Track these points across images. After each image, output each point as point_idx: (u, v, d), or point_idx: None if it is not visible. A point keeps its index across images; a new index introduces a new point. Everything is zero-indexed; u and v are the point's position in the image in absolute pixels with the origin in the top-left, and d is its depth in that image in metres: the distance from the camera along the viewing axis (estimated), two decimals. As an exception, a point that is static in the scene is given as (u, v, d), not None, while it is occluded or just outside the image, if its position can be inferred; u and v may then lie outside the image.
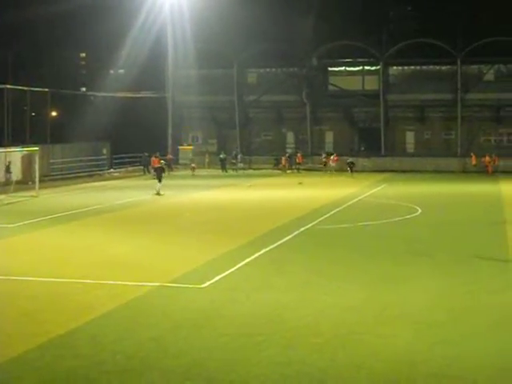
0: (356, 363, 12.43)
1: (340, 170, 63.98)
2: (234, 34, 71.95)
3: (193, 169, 64.63)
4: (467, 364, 12.43)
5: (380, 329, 14.52)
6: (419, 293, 17.67)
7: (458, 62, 72.18)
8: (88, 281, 19.03)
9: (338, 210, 35.68)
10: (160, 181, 44.51)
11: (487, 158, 64.25)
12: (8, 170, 51.40)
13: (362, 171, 65.01)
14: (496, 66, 75.49)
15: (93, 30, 79.32)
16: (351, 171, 61.13)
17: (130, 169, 68.29)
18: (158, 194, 43.52)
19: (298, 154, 68.92)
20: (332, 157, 65.58)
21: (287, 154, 70.73)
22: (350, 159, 64.06)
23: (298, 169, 67.12)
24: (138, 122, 74.59)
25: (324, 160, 66.23)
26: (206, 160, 72.61)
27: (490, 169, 63.34)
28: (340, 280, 19.14)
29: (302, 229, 28.72)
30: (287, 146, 78.65)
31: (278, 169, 68.37)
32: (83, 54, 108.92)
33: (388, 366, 12.27)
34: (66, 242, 26.37)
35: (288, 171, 67.00)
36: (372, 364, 12.40)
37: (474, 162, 66.22)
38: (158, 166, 47.80)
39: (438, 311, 15.89)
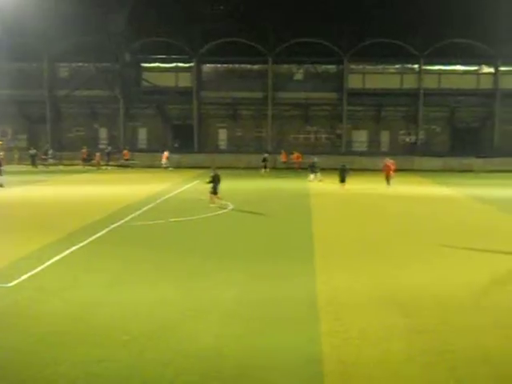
0: (164, 359, 12.54)
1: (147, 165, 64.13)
2: (45, 26, 70.07)
3: None
4: (274, 354, 12.84)
5: (188, 324, 14.70)
6: (227, 287, 18.01)
7: (269, 62, 74.06)
8: None
9: (150, 206, 35.64)
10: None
11: (295, 155, 66.22)
12: None
13: (177, 167, 65.31)
14: (305, 66, 78.05)
15: None
16: (265, 168, 61.62)
17: None
18: (1, 186, 44.29)
19: (125, 151, 68.88)
20: (165, 153, 65.72)
21: (107, 150, 69.99)
22: (266, 155, 64.85)
23: (109, 165, 66.74)
24: None
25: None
26: (16, 156, 70.35)
27: (297, 165, 65.24)
28: (150, 276, 19.17)
29: (114, 225, 28.50)
30: (100, 141, 77.66)
31: (91, 165, 67.31)
32: None
33: (196, 361, 12.46)
34: None
35: (103, 167, 66.28)
36: (180, 359, 12.56)
37: (284, 159, 68.15)
38: None
39: (245, 304, 16.28)
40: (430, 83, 74.02)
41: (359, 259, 21.99)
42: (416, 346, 13.45)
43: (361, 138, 77.39)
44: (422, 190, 47.54)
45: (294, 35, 71.16)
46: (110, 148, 71.50)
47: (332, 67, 77.98)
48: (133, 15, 73.68)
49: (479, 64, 75.67)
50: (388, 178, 48.32)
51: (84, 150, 68.50)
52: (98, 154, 68.01)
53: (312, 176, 52.19)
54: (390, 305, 16.38)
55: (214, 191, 36.01)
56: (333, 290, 17.80)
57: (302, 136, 77.72)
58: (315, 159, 54.58)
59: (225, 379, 11.69)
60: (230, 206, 35.82)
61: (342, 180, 46.33)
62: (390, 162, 50.23)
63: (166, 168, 63.84)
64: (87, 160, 68.19)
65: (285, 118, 76.63)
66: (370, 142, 77.44)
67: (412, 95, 74.57)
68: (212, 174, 36.43)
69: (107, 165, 67.55)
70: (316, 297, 16.95)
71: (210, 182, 36.03)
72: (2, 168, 48.33)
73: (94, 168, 65.37)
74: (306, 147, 72.19)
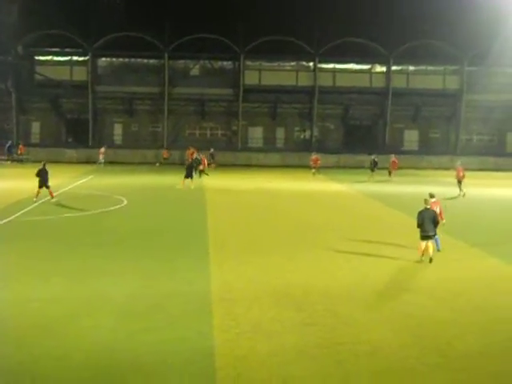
0: (56, 354, 12.40)
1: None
2: None
3: None
4: (166, 349, 12.88)
5: (82, 320, 14.56)
6: (120, 284, 17.90)
7: (166, 57, 73.75)
8: None
9: (42, 201, 34.98)
10: None
11: (191, 151, 66.12)
12: None
13: (69, 162, 64.38)
14: (201, 62, 78.09)
15: None
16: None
17: None
18: None
19: (20, 145, 67.51)
20: (102, 149, 64.77)
21: (8, 144, 68.31)
22: (211, 150, 64.69)
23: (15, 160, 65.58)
24: None
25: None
26: None
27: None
28: (42, 272, 18.88)
29: (4, 221, 27.88)
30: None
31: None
32: None
33: (89, 356, 12.38)
34: None
35: (4, 162, 64.87)
36: (73, 354, 12.45)
37: (165, 155, 68.13)
38: None
39: (138, 301, 16.20)
40: (324, 81, 75.21)
41: (253, 256, 22.20)
42: (307, 339, 13.72)
43: (256, 134, 78.01)
44: (315, 186, 48.32)
45: (191, 31, 71.05)
46: (10, 142, 69.78)
47: (228, 63, 78.34)
48: (26, 6, 71.98)
49: (372, 63, 77.39)
50: (202, 171, 51.55)
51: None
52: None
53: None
54: (282, 300, 16.64)
55: (41, 185, 35.09)
56: (226, 285, 17.94)
57: (198, 132, 77.76)
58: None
59: (117, 375, 11.67)
60: (125, 202, 35.58)
61: (188, 176, 44.59)
62: (313, 157, 59.39)
63: (100, 164, 62.82)
64: None
65: (181, 114, 76.52)
66: (266, 139, 78.14)
67: (307, 92, 75.65)
68: (39, 168, 35.90)
69: (8, 159, 66.08)
70: (209, 292, 17.06)
71: (37, 176, 35.32)
72: None
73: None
74: (202, 143, 72.18)
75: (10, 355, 12.31)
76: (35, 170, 35.69)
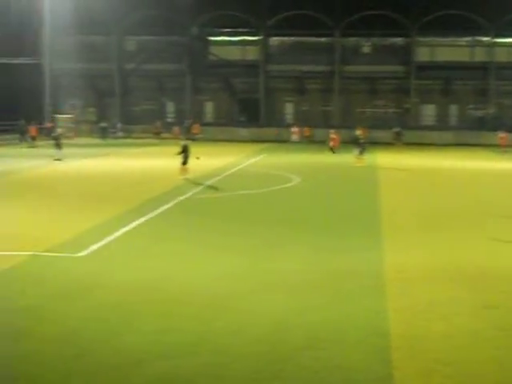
0: (232, 329, 12.58)
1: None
2: (114, 0, 70.62)
3: (68, 137, 63.09)
4: (341, 327, 12.79)
5: (256, 296, 14.71)
6: (293, 260, 17.97)
7: (336, 35, 73.43)
8: (-40, 251, 18.49)
9: (217, 179, 35.84)
10: (59, 147, 45.41)
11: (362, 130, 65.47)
12: None
13: (241, 141, 65.47)
14: (372, 39, 77.20)
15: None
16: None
17: (6, 137, 66.00)
18: (59, 159, 44.24)
19: (196, 125, 69.35)
20: (295, 128, 66.36)
21: (186, 124, 70.40)
22: (396, 128, 65.84)
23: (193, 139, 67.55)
24: (12, 88, 72.02)
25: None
26: (85, 129, 71.40)
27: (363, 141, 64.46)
28: (218, 248, 19.26)
29: (182, 198, 28.73)
30: (167, 115, 78.29)
31: (164, 138, 67.94)
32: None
33: (263, 332, 12.49)
34: None
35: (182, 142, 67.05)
36: (247, 330, 12.60)
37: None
38: (56, 133, 48.24)
39: (310, 277, 16.19)
40: (501, 56, 72.47)
41: (426, 235, 21.76)
42: (485, 322, 13.26)
43: (429, 112, 76.42)
44: (492, 165, 46.73)
45: (362, 7, 70.38)
46: (189, 122, 71.79)
47: (400, 40, 77.03)
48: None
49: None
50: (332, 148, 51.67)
51: (157, 124, 69.23)
52: (176, 128, 68.68)
53: (357, 151, 45.93)
54: (457, 280, 16.18)
55: (184, 162, 35.54)
56: (399, 264, 17.63)
57: (368, 110, 77.09)
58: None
59: (293, 349, 11.70)
60: (297, 180, 35.79)
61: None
62: (501, 135, 58.87)
63: (296, 143, 64.11)
64: (159, 133, 68.87)
65: (351, 92, 76.07)
66: (438, 117, 76.38)
67: (482, 68, 73.22)
68: (182, 144, 36.12)
69: (187, 138, 68.26)
70: (382, 271, 16.83)
71: (181, 153, 35.65)
72: (62, 142, 48.51)
73: (170, 141, 65.93)
74: (372, 121, 71.52)
75: (187, 329, 12.62)
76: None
